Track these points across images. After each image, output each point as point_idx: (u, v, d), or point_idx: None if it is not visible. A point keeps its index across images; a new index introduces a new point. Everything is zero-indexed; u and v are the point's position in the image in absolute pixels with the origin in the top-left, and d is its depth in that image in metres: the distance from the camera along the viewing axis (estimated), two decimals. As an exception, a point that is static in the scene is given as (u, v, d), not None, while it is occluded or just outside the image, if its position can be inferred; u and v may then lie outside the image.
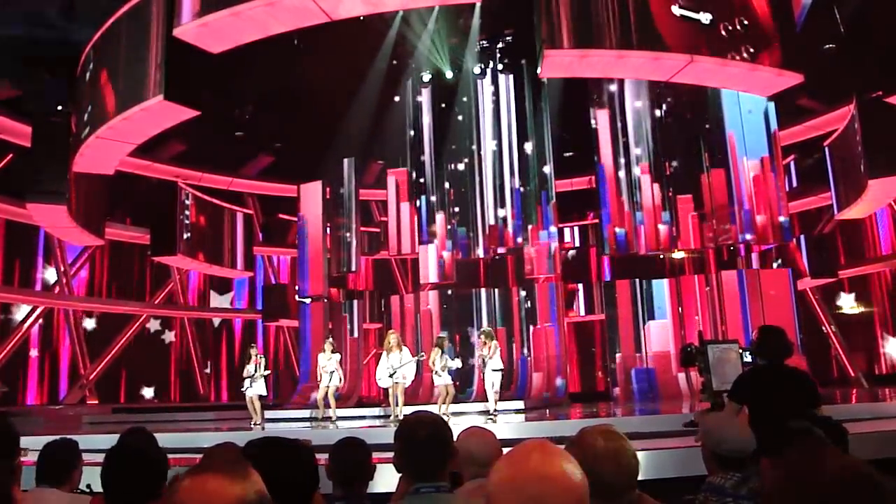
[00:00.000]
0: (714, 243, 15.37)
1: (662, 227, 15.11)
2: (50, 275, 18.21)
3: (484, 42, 15.77)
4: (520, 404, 12.95)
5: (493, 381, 11.09)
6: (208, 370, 20.95)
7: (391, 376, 11.20)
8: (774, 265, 17.17)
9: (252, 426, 11.84)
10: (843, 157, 14.36)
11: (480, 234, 15.77)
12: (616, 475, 1.92)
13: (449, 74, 16.32)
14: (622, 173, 15.35)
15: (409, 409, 10.11)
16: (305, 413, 13.55)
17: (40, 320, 17.80)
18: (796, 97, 14.10)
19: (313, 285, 17.07)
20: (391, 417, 11.46)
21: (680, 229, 15.07)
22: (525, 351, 15.44)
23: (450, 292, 16.23)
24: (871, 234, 17.93)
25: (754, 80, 10.36)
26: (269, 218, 21.33)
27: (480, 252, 15.93)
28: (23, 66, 14.01)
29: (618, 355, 15.42)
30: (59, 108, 14.08)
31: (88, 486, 3.30)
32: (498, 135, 16.00)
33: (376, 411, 13.61)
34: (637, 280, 15.78)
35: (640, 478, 2.03)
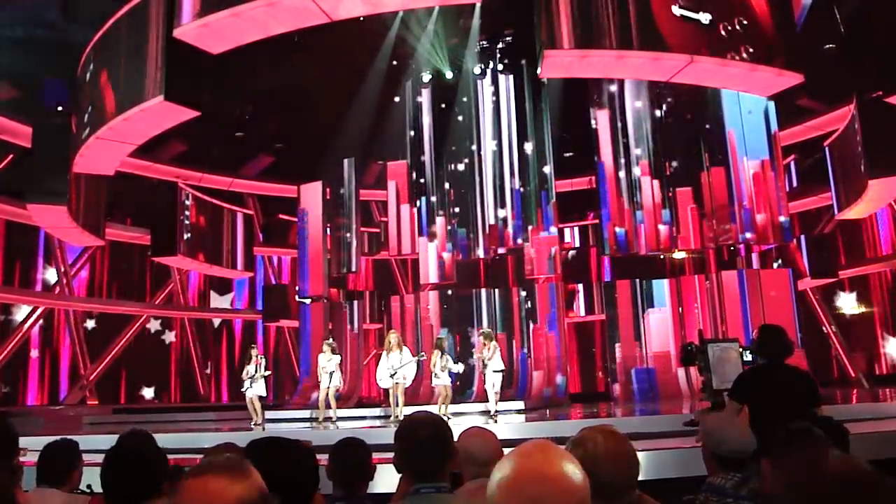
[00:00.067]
0: (714, 243, 15.38)
1: (663, 227, 15.12)
2: (50, 275, 18.22)
3: (484, 42, 15.77)
4: (520, 404, 12.95)
5: (493, 381, 11.09)
6: (208, 370, 20.95)
7: (392, 377, 11.20)
8: (775, 265, 17.17)
9: (252, 426, 11.84)
10: (843, 158, 14.36)
11: (480, 234, 15.77)
12: (616, 475, 1.92)
13: (449, 75, 16.32)
14: (622, 173, 15.36)
15: (409, 410, 10.11)
16: (306, 413, 13.54)
17: (41, 321, 17.80)
18: (796, 97, 14.10)
19: (313, 286, 17.07)
20: (391, 418, 11.46)
21: (680, 229, 15.07)
22: (525, 351, 15.44)
23: (450, 293, 16.24)
24: (871, 234, 17.93)
25: (754, 81, 10.36)
26: (269, 218, 21.34)
27: (481, 252, 15.94)
28: (23, 67, 14.00)
29: (618, 355, 15.43)
30: (60, 108, 14.09)
31: (89, 486, 3.30)
32: (498, 135, 16.00)
33: (376, 412, 13.60)
34: (637, 280, 15.79)
35: (640, 478, 2.03)
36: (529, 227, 15.44)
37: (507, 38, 15.82)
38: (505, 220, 15.69)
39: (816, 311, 17.88)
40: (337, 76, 15.12)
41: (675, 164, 15.37)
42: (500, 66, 16.09)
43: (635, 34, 9.51)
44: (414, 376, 11.85)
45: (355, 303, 17.54)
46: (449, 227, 15.98)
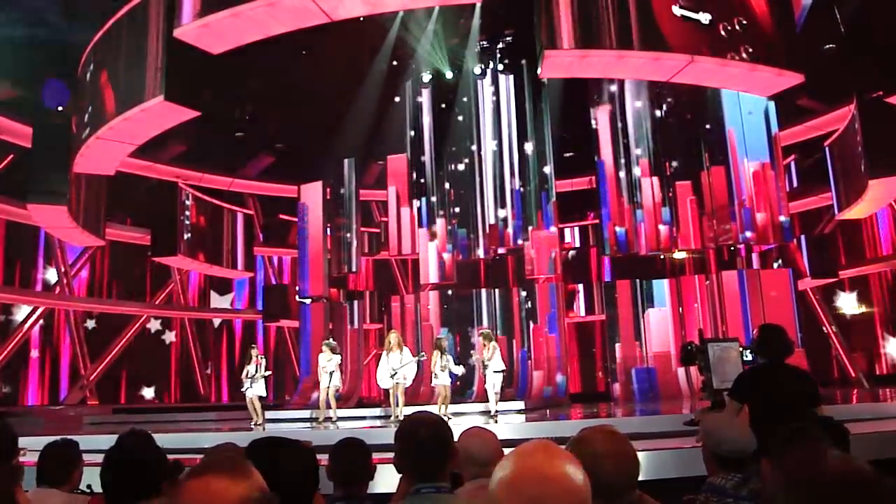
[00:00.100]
0: (714, 243, 15.38)
1: (663, 227, 15.13)
2: (50, 275, 18.22)
3: (484, 42, 15.77)
4: (520, 405, 12.95)
5: (494, 382, 11.07)
6: (209, 371, 20.95)
7: (392, 377, 11.20)
8: (775, 265, 17.17)
9: (252, 427, 11.83)
10: (843, 157, 14.37)
11: (481, 234, 15.77)
12: (616, 475, 1.92)
13: (449, 75, 16.33)
14: (622, 173, 15.36)
15: (409, 410, 10.11)
16: (306, 413, 13.55)
17: (41, 321, 17.80)
18: (797, 97, 14.10)
19: (314, 286, 17.08)
20: (392, 418, 11.46)
21: (680, 229, 15.07)
22: (525, 351, 15.44)
23: (450, 293, 16.24)
24: (871, 234, 17.93)
25: (754, 81, 10.36)
26: (269, 218, 21.34)
27: (481, 252, 15.94)
28: (23, 67, 14.00)
29: (618, 355, 15.43)
30: (60, 108, 14.10)
31: (89, 486, 3.30)
32: (498, 135, 16.00)
33: (377, 412, 13.61)
34: (637, 280, 15.79)
35: (640, 478, 2.03)
36: (530, 227, 15.44)
37: (508, 38, 15.83)
38: (505, 220, 15.70)
39: (817, 311, 17.88)
40: (337, 76, 15.12)
41: (675, 163, 15.37)
42: (500, 66, 16.10)
43: (635, 34, 9.51)
44: (414, 377, 11.85)
45: (355, 303, 17.54)
46: (449, 228, 15.99)
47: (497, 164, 15.90)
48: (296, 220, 17.95)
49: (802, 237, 16.59)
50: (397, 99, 16.69)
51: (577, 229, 21.71)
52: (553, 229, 15.43)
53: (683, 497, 2.84)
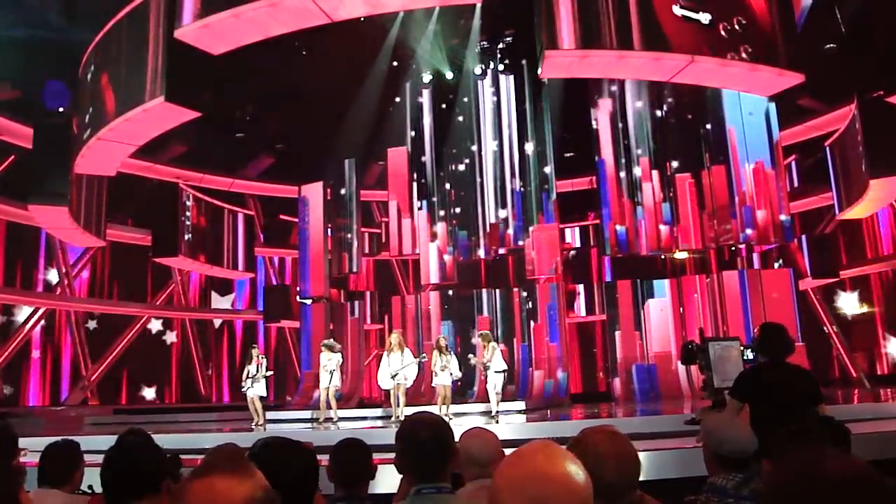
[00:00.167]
0: (715, 243, 15.37)
1: (664, 228, 15.12)
2: (51, 276, 18.23)
3: (484, 43, 15.77)
4: (521, 405, 12.95)
5: (495, 382, 11.07)
6: (209, 371, 20.96)
7: (393, 377, 11.20)
8: (776, 265, 17.17)
9: (253, 427, 11.84)
10: (844, 157, 14.36)
11: (481, 234, 15.78)
12: (617, 475, 1.92)
13: (449, 75, 16.33)
14: (623, 173, 15.36)
15: (410, 410, 10.11)
16: (307, 414, 13.55)
17: (42, 321, 17.81)
18: (797, 97, 14.10)
19: (314, 286, 17.08)
20: (392, 418, 11.46)
21: (681, 229, 15.07)
22: (526, 351, 15.44)
23: (451, 293, 16.24)
24: (872, 233, 17.91)
25: (755, 81, 10.36)
26: (270, 219, 21.34)
27: (481, 253, 15.94)
28: (24, 68, 14.02)
29: (619, 355, 15.43)
30: (61, 109, 14.10)
31: (90, 486, 3.30)
32: (499, 135, 16.01)
33: (377, 412, 13.61)
34: (638, 280, 15.79)
35: (641, 478, 2.03)
36: (530, 228, 15.44)
37: (508, 39, 15.83)
38: (506, 220, 15.70)
39: (817, 311, 17.87)
40: (337, 77, 15.13)
41: (675, 163, 15.37)
42: (500, 67, 16.10)
43: (636, 34, 9.51)
44: (415, 378, 11.85)
45: (356, 303, 17.54)
46: (450, 228, 16.00)
47: (497, 165, 15.90)
48: (296, 220, 17.96)
49: (803, 237, 16.58)
50: (398, 99, 16.69)
51: (577, 229, 21.69)
52: (554, 229, 15.42)
53: (684, 498, 2.84)
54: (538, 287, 15.69)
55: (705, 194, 15.02)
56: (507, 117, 16.02)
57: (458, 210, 16.08)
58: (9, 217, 16.30)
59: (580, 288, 19.91)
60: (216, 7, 9.48)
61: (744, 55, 9.71)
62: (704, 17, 9.68)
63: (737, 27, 9.75)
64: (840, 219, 15.48)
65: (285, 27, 9.87)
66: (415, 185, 16.24)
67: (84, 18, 12.73)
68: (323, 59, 14.22)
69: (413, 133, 16.49)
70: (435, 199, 16.08)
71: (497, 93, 16.14)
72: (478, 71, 16.06)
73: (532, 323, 15.54)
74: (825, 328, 17.78)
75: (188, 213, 17.42)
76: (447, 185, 16.17)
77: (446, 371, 11.16)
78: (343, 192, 17.18)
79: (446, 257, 15.84)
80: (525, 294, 15.85)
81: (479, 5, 12.71)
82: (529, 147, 15.72)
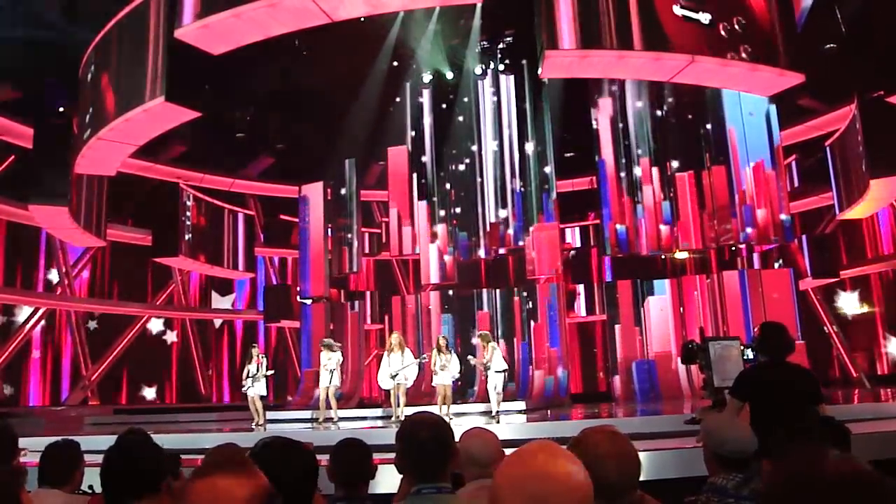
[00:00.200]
0: (716, 243, 15.37)
1: (664, 227, 15.12)
2: (52, 276, 18.23)
3: (484, 43, 15.77)
4: (521, 405, 12.95)
5: (495, 382, 11.06)
6: (210, 371, 20.96)
7: (393, 377, 11.20)
8: (776, 265, 17.17)
9: (253, 427, 11.84)
10: (844, 157, 14.35)
11: (482, 234, 15.78)
12: (618, 475, 1.92)
13: (450, 75, 16.33)
14: (623, 173, 15.36)
15: (410, 410, 10.10)
16: (307, 414, 13.55)
17: (42, 321, 17.81)
18: (797, 97, 14.09)
19: (315, 286, 17.08)
20: (393, 418, 11.46)
21: (681, 229, 15.07)
22: (526, 351, 15.44)
23: (451, 293, 16.24)
24: (872, 233, 17.91)
25: (755, 81, 10.34)
26: (270, 219, 21.35)
27: (482, 253, 15.94)
28: (24, 68, 14.02)
29: (619, 355, 15.43)
30: (61, 109, 14.09)
31: (90, 486, 3.30)
32: (499, 135, 16.00)
33: (378, 412, 13.61)
34: (638, 280, 15.79)
35: (641, 478, 2.03)
36: (530, 228, 15.44)
37: (508, 39, 15.82)
38: (506, 220, 15.70)
39: (818, 311, 17.87)
40: (338, 77, 15.13)
41: (676, 163, 15.37)
42: (500, 67, 16.09)
43: (636, 34, 9.50)
44: (415, 378, 11.85)
45: (356, 303, 17.54)
46: (450, 228, 15.99)
47: (498, 165, 15.90)
48: (297, 220, 17.97)
49: (803, 237, 16.58)
50: (398, 99, 16.69)
51: (577, 229, 21.70)
52: (554, 229, 15.42)
53: (685, 498, 2.84)
54: (538, 287, 15.69)
55: (706, 194, 15.02)
56: (508, 117, 16.02)
57: (458, 210, 16.08)
58: (9, 217, 16.31)
59: (580, 288, 19.92)
60: (216, 7, 9.47)
61: (744, 55, 9.70)
62: (704, 17, 9.67)
63: (737, 27, 9.74)
64: (840, 219, 15.48)
65: (285, 27, 9.86)
66: (415, 184, 16.23)
67: (84, 18, 12.72)
68: (323, 59, 14.22)
69: (413, 133, 16.49)
70: (435, 198, 16.09)
71: (497, 93, 16.14)
72: (478, 71, 16.06)
73: (532, 323, 15.54)
74: (825, 328, 17.78)
75: (188, 213, 17.42)
76: (447, 185, 16.17)
77: (446, 370, 11.17)
78: (343, 191, 17.18)
79: (446, 257, 15.84)
80: (525, 294, 15.85)
81: (479, 5, 12.71)
82: (530, 147, 15.72)
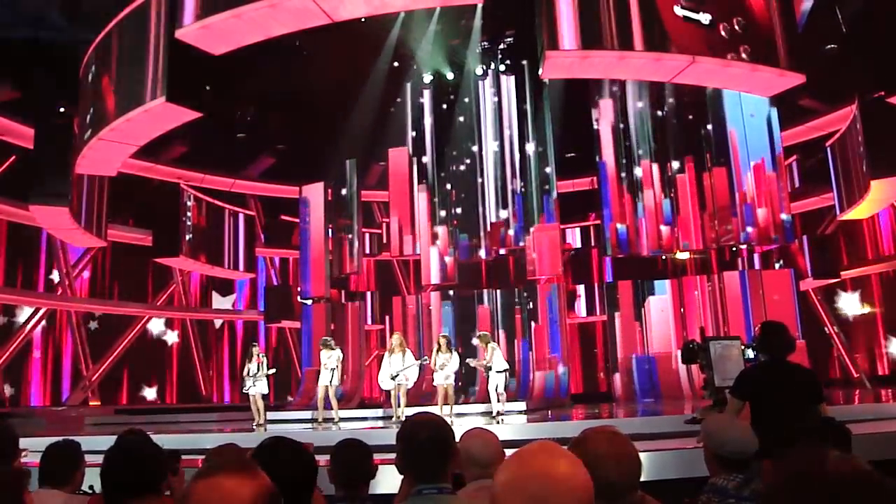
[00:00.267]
0: (716, 244, 15.37)
1: (665, 228, 15.12)
2: (53, 276, 18.24)
3: (485, 43, 15.77)
4: (521, 405, 12.95)
5: (497, 382, 11.06)
6: (210, 371, 20.97)
7: (393, 378, 11.20)
8: (777, 266, 17.16)
9: (254, 427, 11.84)
10: (845, 158, 14.35)
11: (482, 234, 15.77)
12: (618, 476, 1.92)
13: (450, 75, 16.33)
14: (624, 173, 15.36)
15: (411, 411, 10.10)
16: (307, 414, 13.55)
17: (43, 322, 17.82)
18: (798, 97, 14.09)
19: (315, 286, 17.08)
20: (393, 419, 11.46)
21: (682, 229, 15.07)
22: (527, 352, 15.43)
23: (451, 293, 16.24)
24: (872, 234, 17.91)
25: (756, 81, 10.34)
26: (271, 219, 21.36)
27: (482, 253, 15.94)
28: (24, 68, 14.02)
29: (619, 356, 15.42)
30: (62, 109, 14.09)
31: (91, 487, 3.30)
32: (499, 136, 16.00)
33: (378, 412, 13.61)
34: (639, 281, 15.78)
35: (641, 479, 2.03)
36: (531, 228, 15.43)
37: (509, 39, 15.82)
38: (507, 220, 15.70)
39: (818, 312, 17.87)
40: (338, 77, 15.13)
41: (676, 164, 15.37)
42: (501, 67, 16.09)
43: (637, 35, 9.49)
44: (416, 378, 11.85)
45: (357, 303, 17.55)
46: (451, 228, 15.99)
47: (498, 165, 15.90)
48: (297, 220, 17.97)
49: (804, 237, 16.57)
50: (398, 100, 16.69)
51: (578, 230, 21.70)
52: (555, 230, 15.42)
53: (685, 499, 2.84)
54: (539, 287, 15.69)
55: (706, 195, 15.02)
56: (508, 118, 16.02)
57: (458, 210, 16.08)
58: (9, 217, 16.32)
59: (581, 288, 19.92)
60: (217, 7, 9.47)
61: (744, 56, 9.70)
62: (705, 18, 9.67)
63: (737, 27, 9.74)
64: (841, 219, 15.47)
65: (286, 27, 9.86)
66: (416, 185, 16.23)
67: (84, 18, 12.73)
68: (324, 60, 14.22)
69: (414, 133, 16.49)
70: (436, 199, 16.08)
71: (498, 93, 16.14)
72: (479, 71, 16.06)
73: (533, 323, 15.53)
74: (826, 329, 17.78)
75: (189, 214, 17.43)
76: (448, 186, 16.17)
77: (445, 370, 11.16)
78: (344, 192, 17.19)
79: (447, 258, 15.84)
80: (526, 294, 15.85)
81: (479, 6, 12.71)
82: (530, 147, 15.71)
